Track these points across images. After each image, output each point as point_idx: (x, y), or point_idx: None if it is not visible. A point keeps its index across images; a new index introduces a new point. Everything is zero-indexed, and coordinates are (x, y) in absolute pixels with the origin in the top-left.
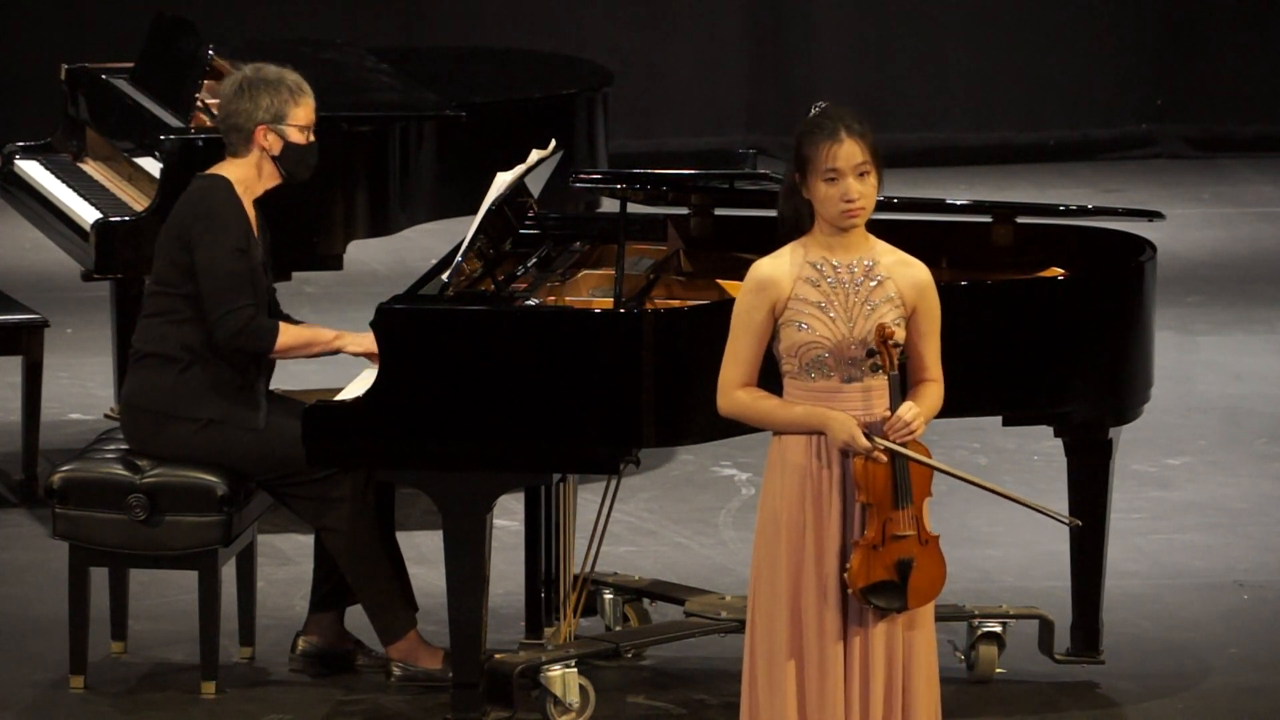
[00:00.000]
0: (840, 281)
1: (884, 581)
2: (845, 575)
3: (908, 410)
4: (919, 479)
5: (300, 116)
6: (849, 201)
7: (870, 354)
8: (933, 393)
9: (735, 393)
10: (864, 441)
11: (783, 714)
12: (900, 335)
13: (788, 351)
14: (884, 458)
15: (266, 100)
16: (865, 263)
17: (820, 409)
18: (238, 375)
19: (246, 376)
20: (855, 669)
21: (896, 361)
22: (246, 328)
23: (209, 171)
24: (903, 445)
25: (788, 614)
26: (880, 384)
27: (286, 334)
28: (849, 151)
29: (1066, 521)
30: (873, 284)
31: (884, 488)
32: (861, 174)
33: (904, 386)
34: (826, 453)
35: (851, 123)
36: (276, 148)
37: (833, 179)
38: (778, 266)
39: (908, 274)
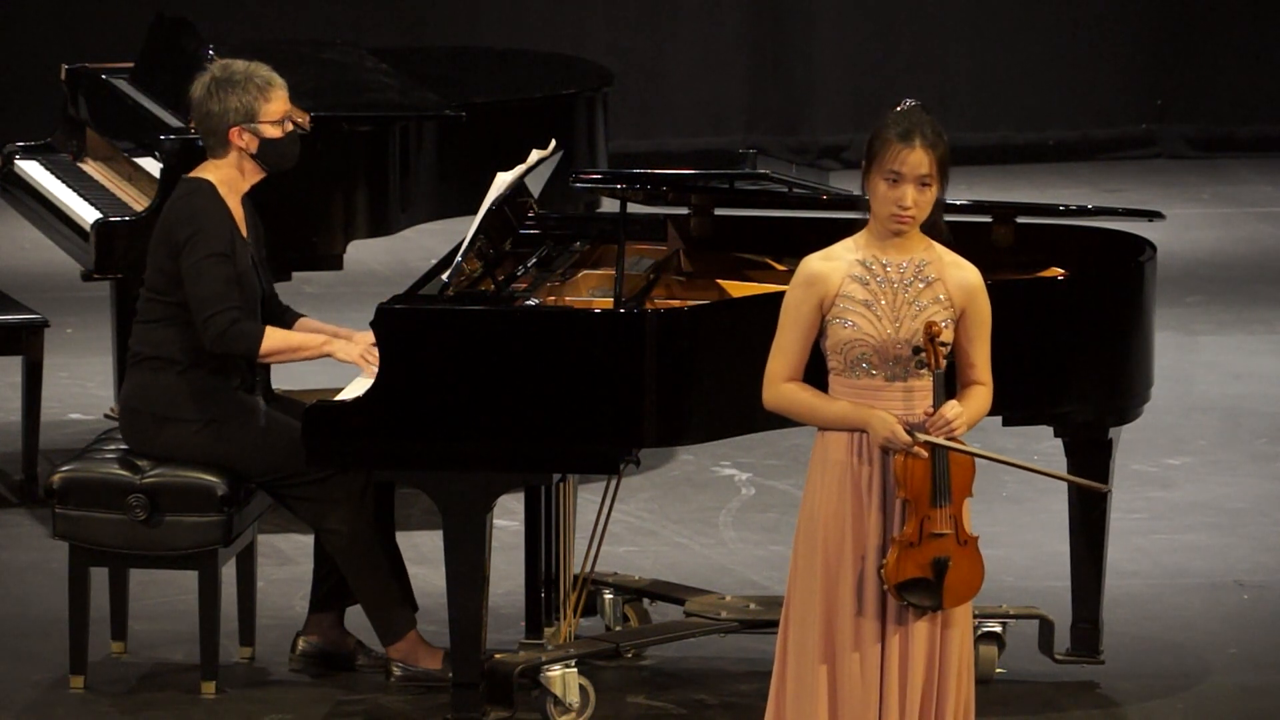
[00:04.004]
0: (889, 280)
1: (919, 579)
2: (881, 571)
3: (950, 408)
4: (959, 479)
5: (272, 111)
6: (902, 208)
7: (916, 351)
8: (980, 395)
9: (781, 385)
10: (905, 437)
11: (811, 714)
12: (947, 335)
13: (833, 348)
14: (924, 453)
15: (235, 100)
16: (917, 263)
17: (862, 406)
18: (235, 376)
19: (244, 377)
20: (894, 668)
21: (943, 360)
22: (228, 332)
23: (193, 174)
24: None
25: (822, 612)
26: (923, 384)
27: (272, 338)
28: (916, 159)
29: (1104, 489)
30: (922, 285)
31: (922, 484)
32: (923, 184)
33: (950, 388)
34: (867, 450)
35: (928, 131)
36: (253, 146)
37: (894, 181)
38: (828, 262)
39: (958, 276)
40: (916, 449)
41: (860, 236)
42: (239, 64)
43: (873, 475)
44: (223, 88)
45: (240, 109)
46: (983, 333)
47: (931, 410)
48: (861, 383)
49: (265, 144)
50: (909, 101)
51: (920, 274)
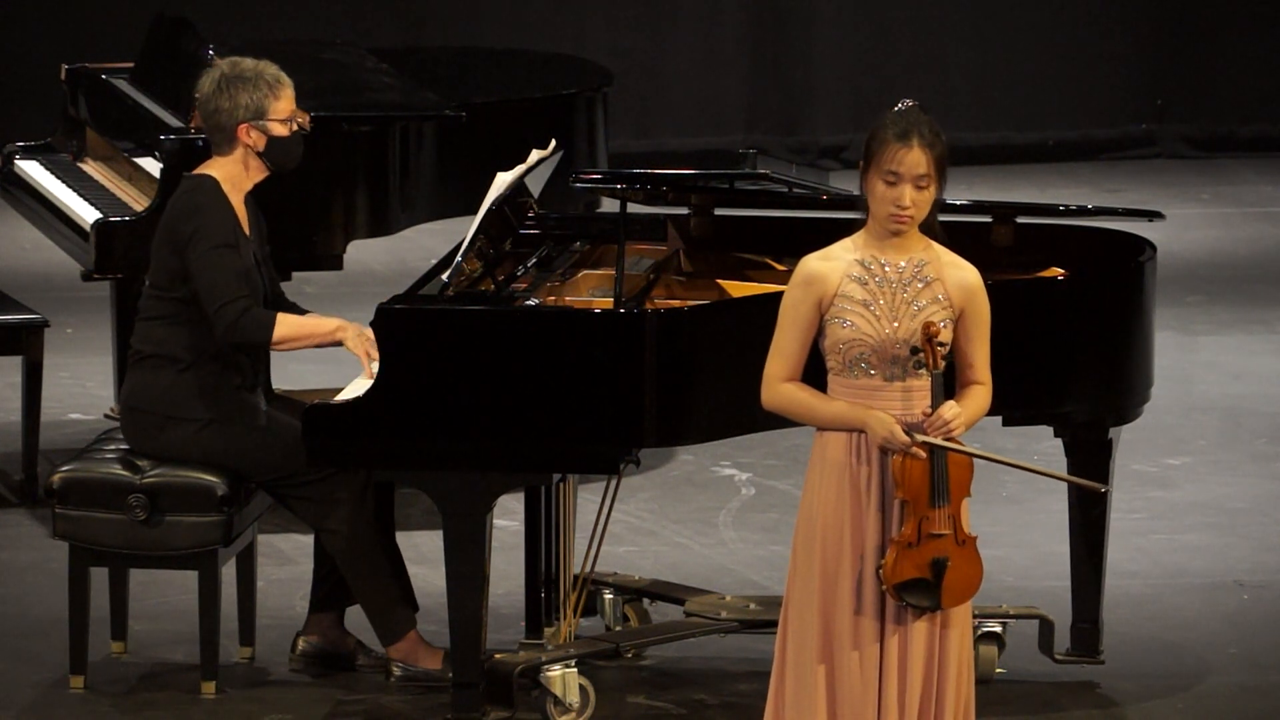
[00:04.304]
0: (888, 280)
1: (918, 579)
2: (880, 571)
3: (948, 409)
4: (957, 479)
5: (281, 110)
6: (900, 208)
7: (915, 351)
8: (979, 395)
9: (779, 385)
10: (903, 437)
11: (810, 714)
12: (946, 335)
13: (832, 348)
14: (922, 453)
15: (245, 97)
16: (915, 263)
17: (860, 407)
18: (237, 375)
19: (245, 376)
20: (893, 668)
21: (941, 360)
22: (240, 320)
23: (196, 171)
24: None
25: (821, 611)
26: (921, 384)
27: (284, 324)
28: (914, 159)
29: (1101, 489)
30: (920, 285)
31: (921, 485)
32: (921, 184)
33: (949, 388)
34: (866, 450)
35: (925, 130)
36: (261, 144)
37: (891, 182)
38: (826, 262)
39: (957, 276)
40: (915, 449)
41: (859, 236)
42: (248, 61)
43: (871, 475)
44: (233, 84)
45: (250, 106)
46: (982, 333)
47: (930, 410)
48: (860, 383)
49: (273, 142)
50: (907, 101)
51: (919, 274)
